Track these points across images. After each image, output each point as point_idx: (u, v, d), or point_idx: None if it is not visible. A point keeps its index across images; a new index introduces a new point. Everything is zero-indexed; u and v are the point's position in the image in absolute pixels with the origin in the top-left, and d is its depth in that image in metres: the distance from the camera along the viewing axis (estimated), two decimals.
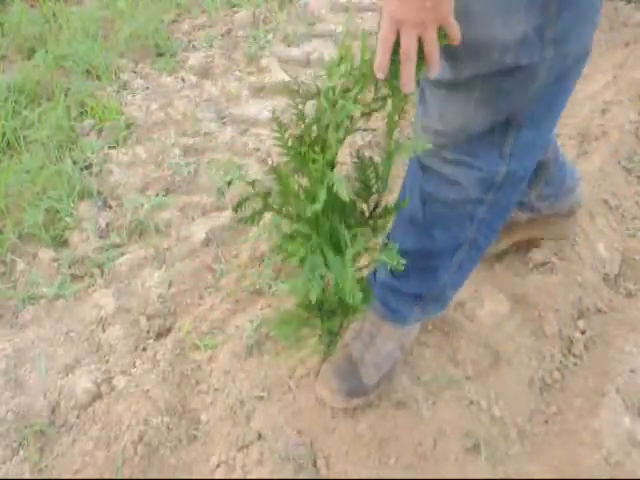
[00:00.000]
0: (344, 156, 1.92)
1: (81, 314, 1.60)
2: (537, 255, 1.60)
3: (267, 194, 1.03)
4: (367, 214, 1.11)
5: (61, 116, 2.10)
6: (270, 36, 2.58)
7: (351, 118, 0.95)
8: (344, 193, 0.91)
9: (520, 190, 1.18)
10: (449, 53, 0.93)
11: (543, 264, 1.59)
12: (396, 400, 1.33)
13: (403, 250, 1.06)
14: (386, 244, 1.08)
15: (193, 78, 2.39)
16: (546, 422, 1.32)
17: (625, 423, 1.28)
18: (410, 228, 1.19)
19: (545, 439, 1.29)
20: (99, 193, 1.92)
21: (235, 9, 2.75)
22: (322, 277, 1.00)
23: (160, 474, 1.27)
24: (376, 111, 0.96)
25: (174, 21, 2.73)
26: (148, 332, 1.56)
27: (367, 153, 1.12)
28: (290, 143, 0.99)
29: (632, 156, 1.90)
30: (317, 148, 0.96)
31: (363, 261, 1.16)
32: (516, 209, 1.55)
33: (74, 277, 1.70)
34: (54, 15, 2.62)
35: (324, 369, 1.32)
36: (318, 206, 0.94)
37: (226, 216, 1.80)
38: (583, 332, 1.47)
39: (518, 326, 1.46)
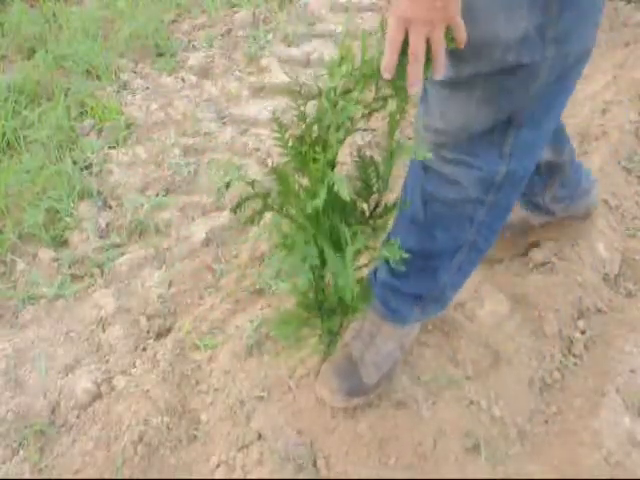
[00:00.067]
0: (344, 156, 1.92)
1: (81, 314, 1.60)
2: (537, 255, 1.60)
3: (267, 194, 1.03)
4: (367, 214, 1.11)
5: (61, 116, 2.10)
6: (270, 36, 2.58)
7: (351, 118, 0.95)
8: (345, 192, 0.91)
9: (520, 191, 1.18)
10: (451, 51, 0.93)
11: (543, 264, 1.59)
12: (396, 400, 1.33)
13: (404, 250, 1.06)
14: (387, 240, 1.08)
15: (193, 78, 2.39)
16: (546, 422, 1.32)
17: (625, 423, 1.28)
18: (411, 228, 1.19)
19: (545, 439, 1.29)
20: (99, 193, 1.92)
21: (235, 9, 2.76)
22: (313, 268, 0.99)
23: (160, 474, 1.27)
24: (377, 111, 0.96)
25: (174, 21, 2.73)
26: (148, 332, 1.56)
27: (367, 153, 1.12)
28: (291, 143, 0.99)
29: (632, 156, 1.90)
30: (318, 148, 0.96)
31: (363, 260, 1.16)
32: (530, 213, 1.56)
33: (74, 277, 1.70)
34: (54, 15, 2.62)
35: (324, 369, 1.32)
36: (319, 202, 0.94)
37: (226, 216, 1.80)
38: (583, 332, 1.47)
39: (518, 326, 1.46)
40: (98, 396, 1.42)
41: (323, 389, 1.30)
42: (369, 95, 0.95)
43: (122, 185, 1.93)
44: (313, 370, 1.36)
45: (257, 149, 2.06)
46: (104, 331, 1.56)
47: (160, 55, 2.51)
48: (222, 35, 2.62)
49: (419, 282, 1.24)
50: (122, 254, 1.74)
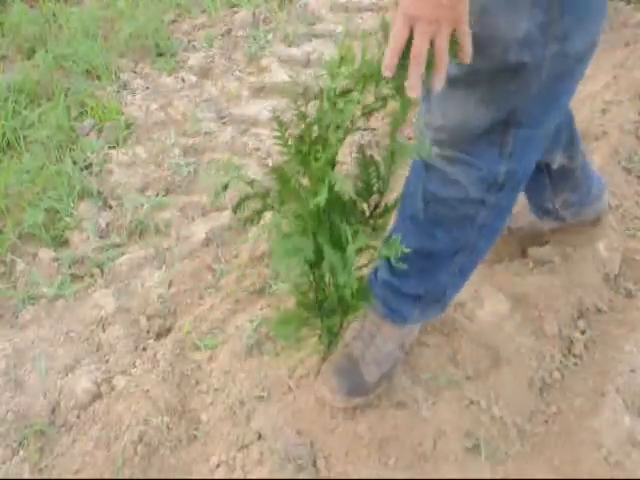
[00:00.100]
0: (344, 156, 1.92)
1: (81, 314, 1.60)
2: (537, 254, 1.60)
3: (266, 193, 1.03)
4: (367, 213, 1.11)
5: (61, 116, 2.10)
6: (270, 36, 2.58)
7: (351, 118, 0.95)
8: (347, 190, 0.91)
9: (519, 191, 1.18)
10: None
11: (543, 263, 1.59)
12: (396, 400, 1.33)
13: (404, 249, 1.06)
14: (388, 239, 1.08)
15: (193, 78, 2.39)
16: (546, 422, 1.32)
17: (625, 423, 1.28)
18: (412, 227, 1.19)
19: (545, 439, 1.29)
20: (99, 193, 1.92)
21: (235, 9, 2.76)
22: (313, 267, 0.98)
23: (160, 474, 1.27)
24: (376, 110, 0.96)
25: (174, 21, 2.73)
26: (148, 332, 1.56)
27: (368, 152, 1.12)
28: (291, 142, 0.99)
29: (632, 156, 1.90)
30: (318, 147, 0.96)
31: (362, 260, 1.16)
32: (539, 218, 1.56)
33: (74, 277, 1.70)
34: (54, 15, 2.62)
35: (324, 368, 1.32)
36: (321, 199, 0.94)
37: (226, 216, 1.80)
38: (583, 332, 1.47)
39: (518, 326, 1.46)
40: (98, 396, 1.42)
41: (323, 389, 1.30)
42: (369, 95, 0.95)
43: (122, 185, 1.93)
44: (313, 370, 1.36)
45: (257, 149, 2.06)
46: (104, 331, 1.56)
47: (160, 55, 2.51)
48: (222, 35, 2.62)
49: (419, 282, 1.24)
50: (122, 254, 1.74)
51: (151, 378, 1.41)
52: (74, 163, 1.99)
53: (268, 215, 1.08)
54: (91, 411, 1.39)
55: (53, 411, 1.39)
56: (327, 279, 1.13)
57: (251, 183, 1.03)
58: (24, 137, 2.06)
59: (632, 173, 1.86)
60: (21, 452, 1.32)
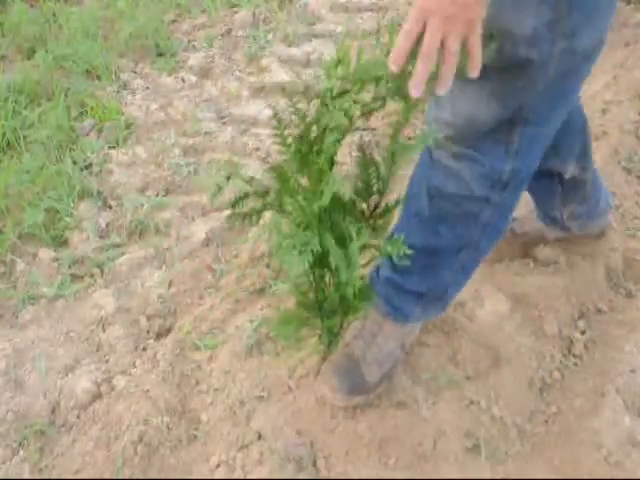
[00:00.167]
0: (344, 156, 1.92)
1: (81, 314, 1.60)
2: (543, 255, 1.60)
3: (265, 192, 1.03)
4: (367, 214, 1.11)
5: (61, 116, 2.10)
6: (270, 36, 2.58)
7: (350, 118, 0.95)
8: (345, 191, 0.91)
9: (522, 191, 1.18)
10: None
11: (548, 264, 1.59)
12: (396, 400, 1.33)
13: (408, 245, 1.06)
14: (391, 236, 1.08)
15: (193, 78, 2.39)
16: (546, 422, 1.32)
17: (625, 423, 1.28)
18: (416, 223, 1.19)
19: (545, 439, 1.29)
20: (99, 193, 1.92)
21: (235, 9, 2.75)
22: (313, 253, 0.97)
23: (160, 474, 1.27)
24: (376, 110, 0.96)
25: (174, 21, 2.73)
26: (148, 332, 1.56)
27: (368, 152, 1.12)
28: (290, 141, 0.99)
29: (632, 156, 1.90)
30: (317, 147, 0.96)
31: (363, 259, 1.16)
32: (546, 226, 1.56)
33: (74, 277, 1.70)
34: (54, 15, 2.62)
35: (325, 368, 1.32)
36: (325, 201, 0.94)
37: (226, 216, 1.80)
38: (583, 332, 1.47)
39: (518, 326, 1.46)
40: (98, 396, 1.42)
41: (324, 388, 1.30)
42: (368, 95, 0.95)
43: (122, 185, 1.93)
44: (313, 370, 1.36)
45: (257, 149, 2.06)
46: (104, 331, 1.56)
47: (160, 55, 2.51)
48: (222, 35, 2.62)
49: (422, 279, 1.25)
50: (122, 254, 1.74)
51: (151, 378, 1.41)
52: (74, 163, 1.99)
53: (267, 215, 1.08)
54: (91, 411, 1.39)
55: (53, 411, 1.39)
56: (327, 279, 1.13)
57: (250, 181, 1.03)
58: (24, 137, 2.06)
59: (632, 173, 1.86)
60: (21, 452, 1.32)
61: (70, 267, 1.71)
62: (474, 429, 1.28)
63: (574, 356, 1.43)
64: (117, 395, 1.41)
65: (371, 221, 1.11)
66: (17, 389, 1.43)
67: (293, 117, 0.97)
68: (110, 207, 1.89)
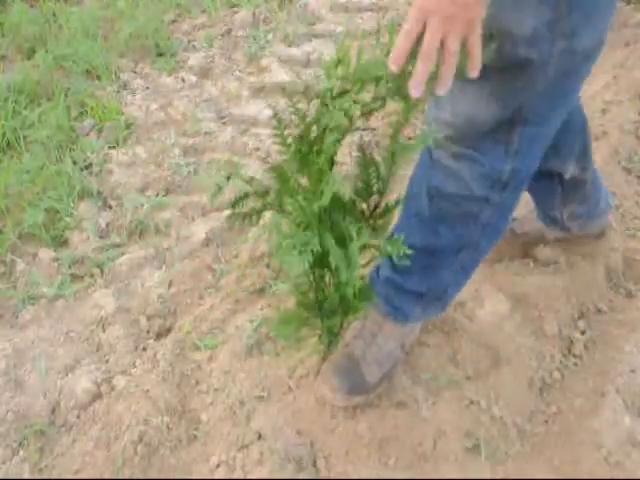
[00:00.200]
0: (344, 156, 1.92)
1: (81, 314, 1.60)
2: (543, 255, 1.60)
3: (265, 192, 1.03)
4: (367, 213, 1.11)
5: (61, 116, 2.10)
6: (270, 36, 2.58)
7: (350, 118, 0.95)
8: (345, 192, 0.91)
9: (522, 191, 1.18)
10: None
11: (548, 264, 1.59)
12: (396, 400, 1.33)
13: (408, 245, 1.06)
14: (391, 236, 1.08)
15: (193, 78, 2.39)
16: (546, 422, 1.32)
17: (625, 423, 1.28)
18: (416, 223, 1.19)
19: (545, 439, 1.29)
20: (99, 193, 1.92)
21: (235, 9, 2.75)
22: (313, 253, 0.97)
23: (160, 474, 1.27)
24: (376, 110, 0.96)
25: (174, 21, 2.73)
26: (148, 332, 1.56)
27: (368, 152, 1.12)
28: (290, 141, 0.99)
29: (632, 156, 1.90)
30: (317, 147, 0.96)
31: (363, 259, 1.16)
32: (546, 226, 1.56)
33: (74, 277, 1.70)
34: (54, 15, 2.62)
35: (325, 368, 1.32)
36: (325, 201, 0.94)
37: (226, 216, 1.80)
38: (583, 332, 1.47)
39: (518, 326, 1.46)
40: (98, 396, 1.42)
41: (324, 388, 1.31)
42: (369, 95, 0.95)
43: (122, 185, 1.93)
44: (313, 370, 1.36)
45: (257, 149, 2.06)
46: (104, 331, 1.56)
47: (160, 55, 2.51)
48: (222, 35, 2.62)
49: (422, 279, 1.25)
50: (122, 254, 1.74)
51: (151, 378, 1.41)
52: (74, 163, 1.99)
53: (267, 215, 1.08)
54: (91, 411, 1.39)
55: (53, 411, 1.39)
56: (327, 279, 1.13)
57: (250, 181, 1.03)
58: (24, 137, 2.06)
59: (632, 173, 1.86)
60: (21, 452, 1.32)
61: (70, 267, 1.71)
62: (474, 429, 1.29)
63: (574, 356, 1.43)
64: (117, 395, 1.41)
65: (371, 221, 1.11)
66: (17, 389, 1.43)
67: (293, 117, 0.97)
68: (110, 207, 1.89)
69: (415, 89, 0.87)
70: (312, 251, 0.95)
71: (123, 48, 2.49)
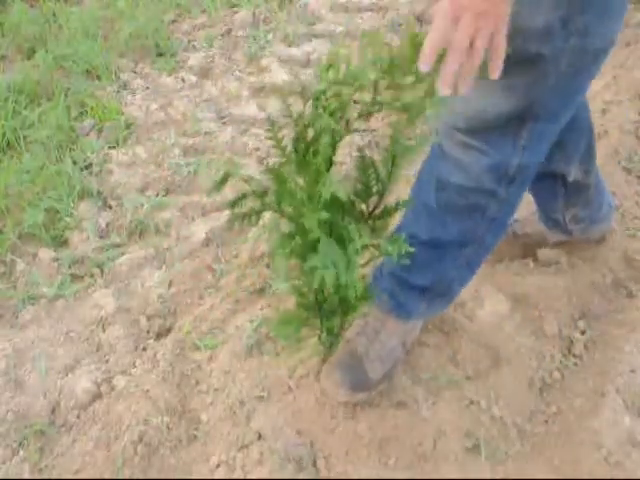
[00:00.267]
0: (344, 156, 1.92)
1: (81, 314, 1.59)
2: (545, 256, 1.60)
3: (264, 192, 1.03)
4: (366, 214, 1.11)
5: (61, 116, 2.10)
6: (270, 36, 2.58)
7: (347, 121, 0.94)
8: (340, 193, 0.91)
9: (527, 187, 1.19)
10: None
11: (550, 264, 1.59)
12: (396, 400, 1.33)
13: (414, 238, 1.06)
14: (398, 229, 1.07)
15: (193, 78, 2.39)
16: (546, 422, 1.32)
17: (625, 423, 1.28)
18: (423, 215, 1.19)
19: (545, 439, 1.29)
20: (99, 193, 1.92)
21: (235, 9, 2.75)
22: (334, 264, 0.97)
23: (160, 474, 1.27)
24: (375, 113, 0.95)
25: (174, 21, 2.73)
26: (148, 332, 1.56)
27: (367, 153, 1.12)
28: (285, 143, 0.99)
29: (632, 156, 1.90)
30: (313, 149, 0.96)
31: (362, 260, 1.16)
32: (548, 229, 1.56)
33: (74, 277, 1.69)
34: (54, 15, 2.62)
35: (328, 364, 1.32)
36: (322, 203, 0.94)
37: (226, 216, 1.80)
38: (583, 332, 1.47)
39: (518, 326, 1.46)
40: (98, 396, 1.42)
41: (327, 383, 1.30)
42: (370, 95, 0.95)
43: (122, 185, 1.93)
44: (313, 370, 1.36)
45: (257, 149, 2.06)
46: (104, 331, 1.56)
47: (160, 55, 2.51)
48: (222, 35, 2.62)
49: (427, 273, 1.25)
50: (122, 254, 1.74)
51: (151, 378, 1.41)
52: (74, 163, 1.99)
53: (267, 215, 1.08)
54: (91, 411, 1.39)
55: (53, 411, 1.39)
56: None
57: (249, 180, 1.03)
58: (24, 137, 2.06)
59: (632, 173, 1.86)
60: (21, 452, 1.32)
61: (70, 267, 1.71)
62: (474, 429, 1.29)
63: (574, 356, 1.43)
64: (117, 395, 1.41)
65: (370, 222, 1.11)
66: (17, 389, 1.43)
67: (290, 117, 0.97)
68: (110, 207, 1.89)
69: (445, 86, 0.87)
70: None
71: (123, 48, 2.49)
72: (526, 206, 1.49)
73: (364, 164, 1.07)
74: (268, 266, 1.65)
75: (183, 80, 2.39)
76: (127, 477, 1.26)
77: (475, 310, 1.49)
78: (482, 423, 1.30)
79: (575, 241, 1.58)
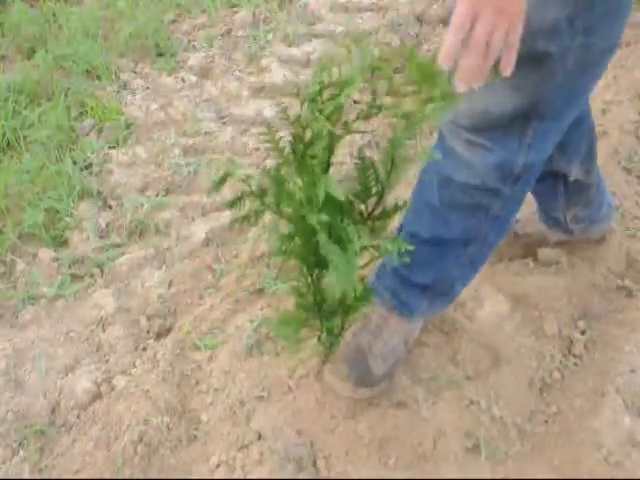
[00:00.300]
0: (344, 156, 1.92)
1: (81, 314, 1.60)
2: (545, 256, 1.60)
3: (263, 193, 1.03)
4: (365, 215, 1.11)
5: (61, 116, 2.10)
6: (270, 36, 2.58)
7: (345, 122, 0.94)
8: (338, 195, 0.91)
9: (531, 186, 1.19)
10: None
11: (550, 264, 1.59)
12: (396, 400, 1.33)
13: (415, 236, 1.05)
14: (400, 227, 1.07)
15: (193, 78, 2.39)
16: (546, 422, 1.32)
17: (625, 423, 1.28)
18: (424, 213, 1.19)
19: (545, 439, 1.29)
20: (99, 193, 1.92)
21: (235, 9, 2.75)
22: (311, 269, 0.97)
23: (160, 474, 1.27)
24: (374, 115, 0.95)
25: (174, 21, 2.73)
26: (148, 332, 1.56)
27: (367, 153, 1.12)
28: (283, 145, 0.99)
29: (632, 156, 1.90)
30: (310, 151, 0.96)
31: (362, 260, 1.16)
32: (548, 229, 1.56)
33: (74, 277, 1.69)
34: (54, 15, 2.62)
35: (333, 359, 1.32)
36: (319, 204, 0.94)
37: (226, 216, 1.80)
38: (583, 332, 1.47)
39: (518, 326, 1.46)
40: (98, 396, 1.42)
41: (332, 378, 1.31)
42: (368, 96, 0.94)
43: (122, 185, 1.93)
44: (313, 370, 1.36)
45: (257, 149, 2.06)
46: (104, 331, 1.56)
47: (160, 55, 2.51)
48: (222, 35, 2.62)
49: (429, 271, 1.25)
50: (122, 254, 1.74)
51: (151, 378, 1.41)
52: (74, 163, 1.99)
53: (267, 215, 1.08)
54: (91, 411, 1.39)
55: (53, 411, 1.39)
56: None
57: (247, 180, 1.02)
58: (24, 137, 2.06)
59: (632, 173, 1.86)
60: (21, 452, 1.32)
61: (70, 267, 1.71)
62: (474, 429, 1.29)
63: (574, 356, 1.43)
64: (117, 395, 1.41)
65: (369, 222, 1.10)
66: (17, 389, 1.43)
67: (287, 120, 0.97)
68: (110, 207, 1.89)
69: (462, 83, 0.87)
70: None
71: (123, 48, 2.49)
72: (527, 206, 1.49)
73: (363, 165, 1.07)
74: (268, 266, 1.65)
75: (183, 80, 2.39)
76: (127, 477, 1.26)
77: (475, 310, 1.49)
78: (482, 423, 1.30)
79: (575, 241, 1.58)
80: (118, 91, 2.32)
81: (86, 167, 2.00)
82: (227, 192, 1.34)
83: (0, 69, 2.38)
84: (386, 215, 1.09)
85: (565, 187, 1.44)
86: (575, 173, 1.40)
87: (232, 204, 1.04)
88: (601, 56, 1.00)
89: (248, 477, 1.23)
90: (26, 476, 1.29)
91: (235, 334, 1.49)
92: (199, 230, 1.78)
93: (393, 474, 1.22)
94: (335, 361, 1.32)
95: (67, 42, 2.44)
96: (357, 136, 2.03)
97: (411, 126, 0.94)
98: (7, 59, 2.47)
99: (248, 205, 1.04)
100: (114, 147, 2.07)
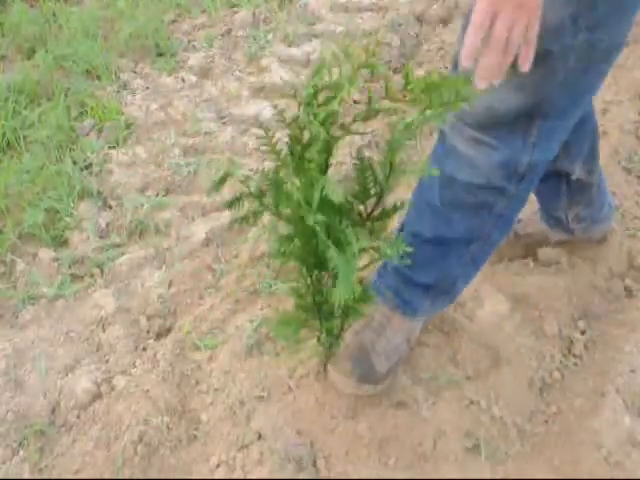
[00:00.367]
0: (344, 156, 1.92)
1: (81, 314, 1.60)
2: (545, 256, 1.60)
3: (262, 193, 1.03)
4: (364, 216, 1.11)
5: (61, 116, 2.10)
6: (270, 36, 2.58)
7: (342, 124, 0.94)
8: (336, 196, 0.91)
9: (536, 184, 1.19)
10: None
11: (550, 264, 1.59)
12: (396, 400, 1.33)
13: (417, 236, 1.05)
14: (401, 227, 1.06)
15: (193, 78, 2.39)
16: (546, 422, 1.32)
17: (625, 423, 1.28)
18: (426, 213, 1.19)
19: (545, 439, 1.29)
20: (99, 193, 1.92)
21: (235, 9, 2.75)
22: (310, 270, 0.97)
23: (160, 474, 1.27)
24: (372, 117, 0.95)
25: (174, 21, 2.73)
26: (148, 332, 1.56)
27: (367, 153, 1.12)
28: (280, 147, 0.99)
29: (632, 156, 1.90)
30: (308, 154, 0.95)
31: (361, 262, 1.16)
32: (549, 228, 1.56)
33: (74, 277, 1.70)
34: (54, 15, 2.61)
35: (336, 356, 1.32)
36: (315, 206, 0.94)
37: (226, 216, 1.80)
38: (583, 332, 1.47)
39: (518, 326, 1.46)
40: (98, 396, 1.42)
41: (335, 374, 1.31)
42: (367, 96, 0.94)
43: (122, 185, 1.93)
44: (313, 370, 1.36)
45: (257, 149, 2.06)
46: (104, 331, 1.56)
47: (160, 55, 2.51)
48: (222, 35, 2.62)
49: (431, 271, 1.25)
50: (122, 254, 1.74)
51: (151, 378, 1.41)
52: (74, 163, 1.99)
53: (267, 215, 1.08)
54: (91, 411, 1.39)
55: (53, 411, 1.39)
56: (325, 282, 1.13)
57: (246, 181, 1.02)
58: (24, 137, 2.06)
59: (632, 173, 1.86)
60: (21, 452, 1.32)
61: (70, 267, 1.71)
62: (474, 429, 1.29)
63: (574, 356, 1.43)
64: (117, 395, 1.41)
65: (369, 223, 1.10)
66: (17, 389, 1.43)
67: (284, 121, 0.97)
68: (110, 207, 1.89)
69: (482, 80, 0.88)
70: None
71: (123, 48, 2.49)
72: (528, 206, 1.49)
73: (362, 166, 1.07)
74: (268, 266, 1.65)
75: (183, 80, 2.39)
76: (127, 477, 1.26)
77: (475, 310, 1.49)
78: (482, 423, 1.30)
79: (576, 241, 1.58)
80: (118, 91, 2.32)
81: (86, 167, 2.00)
82: (227, 192, 1.34)
83: (0, 69, 2.38)
84: (385, 216, 1.09)
85: (568, 186, 1.44)
86: (578, 172, 1.40)
87: (231, 205, 1.04)
88: (607, 53, 1.00)
89: (248, 477, 1.23)
90: (26, 476, 1.29)
91: (235, 334, 1.49)
92: (199, 230, 1.78)
93: (393, 474, 1.22)
94: (338, 358, 1.32)
95: (67, 42, 2.44)
96: (357, 136, 2.03)
97: (410, 128, 0.94)
98: (7, 59, 2.47)
99: (247, 206, 1.04)
100: (114, 147, 2.07)
